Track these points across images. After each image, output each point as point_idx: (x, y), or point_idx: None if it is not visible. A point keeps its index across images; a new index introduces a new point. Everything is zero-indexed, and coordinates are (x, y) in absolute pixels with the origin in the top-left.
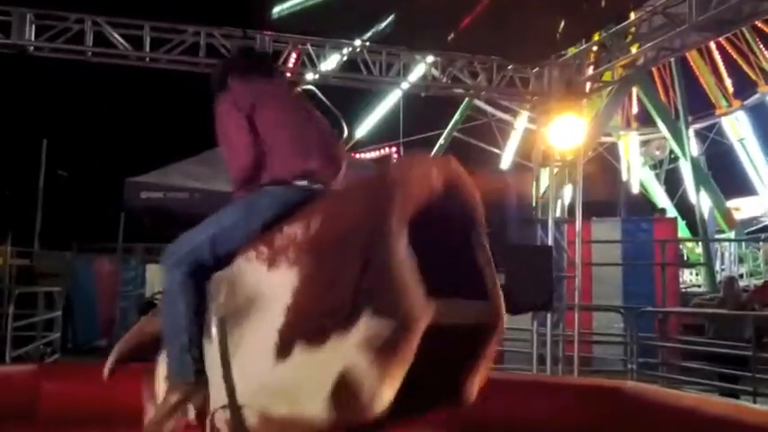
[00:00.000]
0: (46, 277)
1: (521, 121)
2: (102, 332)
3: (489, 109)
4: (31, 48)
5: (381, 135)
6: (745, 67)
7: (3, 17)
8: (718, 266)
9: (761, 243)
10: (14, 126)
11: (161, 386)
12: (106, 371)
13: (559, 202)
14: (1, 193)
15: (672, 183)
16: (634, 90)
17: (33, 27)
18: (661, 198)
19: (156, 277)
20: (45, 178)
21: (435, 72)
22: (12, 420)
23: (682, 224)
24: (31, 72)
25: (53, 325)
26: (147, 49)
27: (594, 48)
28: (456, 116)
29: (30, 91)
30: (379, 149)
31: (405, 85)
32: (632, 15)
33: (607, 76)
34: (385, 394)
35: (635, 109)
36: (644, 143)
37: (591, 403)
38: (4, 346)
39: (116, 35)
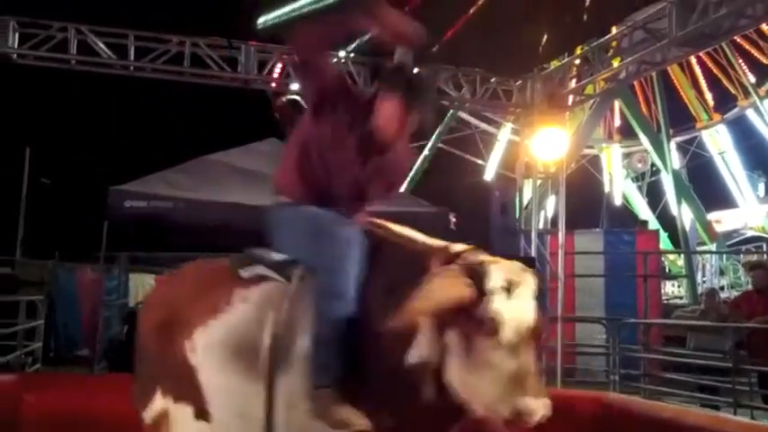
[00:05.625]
0: (28, 286)
1: (504, 133)
2: (84, 341)
3: (473, 120)
4: (15, 55)
5: None
6: (724, 81)
7: None
8: (699, 278)
9: (741, 255)
10: None
11: None
12: None
13: (542, 213)
14: None
15: (654, 195)
16: (616, 103)
17: (17, 35)
18: (643, 210)
19: (139, 286)
20: (28, 187)
21: None
22: None
23: (664, 236)
24: (14, 80)
25: (35, 334)
26: (132, 57)
27: (577, 61)
28: (440, 127)
29: (13, 99)
30: None
31: None
32: (614, 30)
33: (589, 90)
34: None
35: (617, 122)
36: (626, 155)
37: (573, 414)
38: None
39: (100, 44)
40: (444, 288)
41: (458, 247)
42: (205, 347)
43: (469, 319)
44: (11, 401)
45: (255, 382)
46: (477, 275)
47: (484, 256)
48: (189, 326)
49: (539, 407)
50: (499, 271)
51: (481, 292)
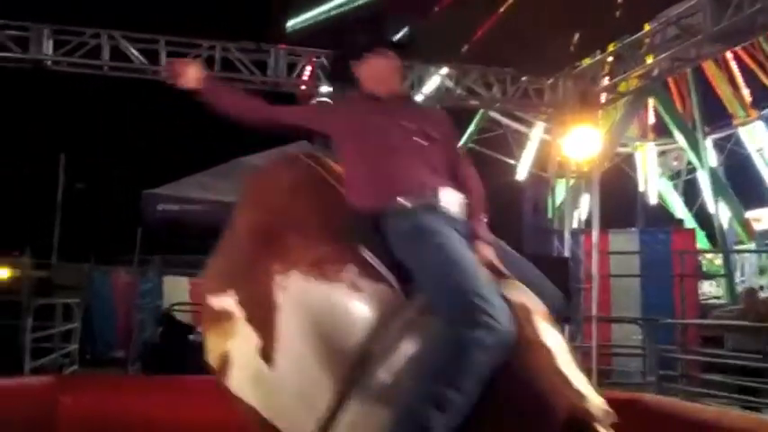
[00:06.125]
0: (64, 289)
1: (536, 132)
2: (119, 343)
3: (504, 120)
4: (49, 62)
5: None
6: (762, 76)
7: (21, 32)
8: (738, 278)
9: None
10: (33, 140)
11: None
12: None
13: (576, 212)
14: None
15: (690, 193)
16: (650, 101)
17: (51, 42)
18: (679, 209)
19: (172, 289)
20: (63, 191)
21: (450, 83)
22: None
23: (701, 235)
24: (48, 87)
25: (71, 336)
26: (163, 63)
27: (609, 59)
28: (471, 127)
29: (48, 105)
30: None
31: (419, 97)
32: (646, 26)
33: (622, 87)
34: None
35: (651, 119)
36: (661, 154)
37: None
38: (23, 358)
39: (132, 49)
40: None
41: (586, 400)
42: (295, 300)
43: None
44: (48, 403)
45: (330, 379)
46: None
47: None
48: (288, 258)
49: None
50: None
51: None
